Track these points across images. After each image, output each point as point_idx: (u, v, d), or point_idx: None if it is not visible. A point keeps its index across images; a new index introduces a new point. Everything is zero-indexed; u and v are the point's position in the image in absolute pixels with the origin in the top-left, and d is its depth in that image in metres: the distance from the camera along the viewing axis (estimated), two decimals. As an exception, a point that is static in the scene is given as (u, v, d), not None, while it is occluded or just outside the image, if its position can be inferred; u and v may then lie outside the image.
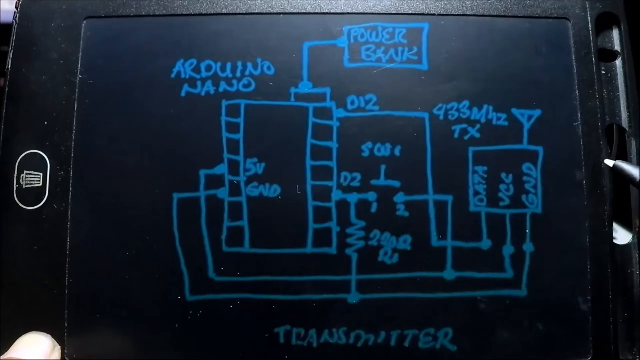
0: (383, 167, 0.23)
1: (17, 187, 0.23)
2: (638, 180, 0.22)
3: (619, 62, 0.24)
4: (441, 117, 0.23)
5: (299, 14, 0.24)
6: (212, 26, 0.23)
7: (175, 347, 0.22)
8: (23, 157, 0.23)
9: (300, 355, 0.22)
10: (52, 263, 0.22)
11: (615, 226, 0.24)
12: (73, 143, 0.23)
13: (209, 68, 0.23)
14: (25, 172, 0.23)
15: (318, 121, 0.23)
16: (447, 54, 0.23)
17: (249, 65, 0.23)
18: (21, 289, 0.22)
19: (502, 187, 0.23)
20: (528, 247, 0.23)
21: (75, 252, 0.22)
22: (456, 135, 0.23)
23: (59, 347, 0.22)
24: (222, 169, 0.23)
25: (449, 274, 0.22)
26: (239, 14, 0.24)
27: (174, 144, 0.23)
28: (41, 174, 0.23)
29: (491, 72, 0.23)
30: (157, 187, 0.22)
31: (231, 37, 0.23)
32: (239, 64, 0.23)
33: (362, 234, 0.23)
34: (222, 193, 0.23)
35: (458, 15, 0.24)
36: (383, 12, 0.24)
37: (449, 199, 0.23)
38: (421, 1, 0.24)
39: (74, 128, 0.23)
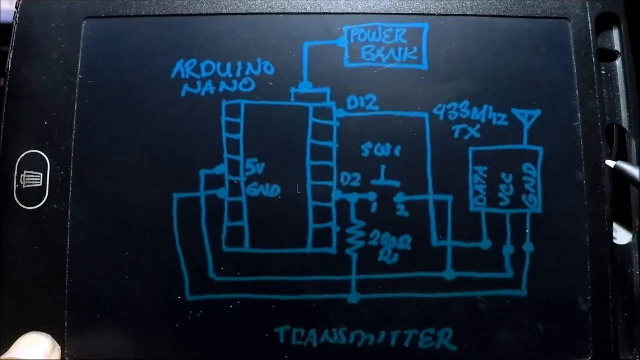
0: (383, 167, 0.23)
1: (17, 187, 0.23)
2: (639, 180, 0.22)
3: (619, 62, 0.24)
4: (441, 117, 0.23)
5: (299, 14, 0.24)
6: (212, 26, 0.23)
7: (175, 347, 0.22)
8: (23, 157, 0.23)
9: (300, 355, 0.22)
10: (52, 263, 0.22)
11: (615, 226, 0.24)
12: (73, 143, 0.23)
13: (209, 68, 0.23)
14: (25, 172, 0.23)
15: (318, 121, 0.23)
16: (447, 54, 0.23)
17: (249, 65, 0.23)
18: (21, 289, 0.22)
19: (502, 187, 0.23)
20: (528, 247, 0.23)
21: (75, 252, 0.22)
22: (456, 135, 0.23)
23: (59, 347, 0.22)
24: (222, 169, 0.23)
25: (449, 274, 0.22)
26: (239, 14, 0.24)
27: (174, 144, 0.23)
28: (41, 174, 0.23)
29: (491, 72, 0.23)
30: (157, 187, 0.22)
31: (231, 37, 0.23)
32: (239, 64, 0.23)
33: (362, 234, 0.23)
34: (222, 193, 0.23)
35: (458, 15, 0.24)
36: (383, 12, 0.24)
37: (449, 199, 0.23)
38: (421, 1, 0.24)
39: (74, 128, 0.23)
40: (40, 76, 0.23)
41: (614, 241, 0.23)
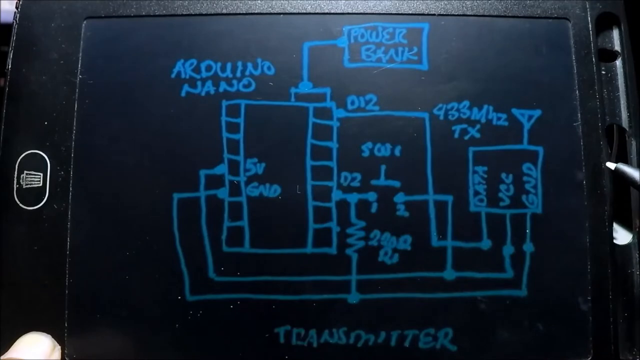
0: (383, 167, 0.23)
1: (17, 187, 0.23)
2: (639, 183, 0.22)
3: (619, 62, 0.24)
4: (441, 117, 0.23)
5: (299, 14, 0.24)
6: (212, 26, 0.23)
7: (175, 347, 0.22)
8: (23, 157, 0.23)
9: (300, 355, 0.22)
10: (52, 263, 0.22)
11: (615, 226, 0.24)
12: (73, 143, 0.23)
13: (209, 68, 0.23)
14: (25, 172, 0.23)
15: (318, 121, 0.23)
16: (447, 54, 0.23)
17: (249, 65, 0.23)
18: (21, 289, 0.22)
19: (502, 187, 0.23)
20: (528, 247, 0.23)
21: (75, 252, 0.22)
22: (456, 135, 0.23)
23: (59, 347, 0.22)
24: (222, 169, 0.23)
25: (449, 274, 0.22)
26: (239, 14, 0.24)
27: (174, 144, 0.23)
28: (41, 174, 0.23)
29: (491, 72, 0.23)
30: (157, 187, 0.22)
31: (231, 37, 0.23)
32: (239, 64, 0.23)
33: (362, 234, 0.23)
34: (222, 193, 0.23)
35: (458, 15, 0.24)
36: (383, 12, 0.24)
37: (449, 199, 0.23)
38: (421, 1, 0.24)
39: (74, 128, 0.23)
40: (40, 76, 0.23)
41: (614, 241, 0.23)
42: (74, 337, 0.22)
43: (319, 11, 0.24)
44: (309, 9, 0.24)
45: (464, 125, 0.23)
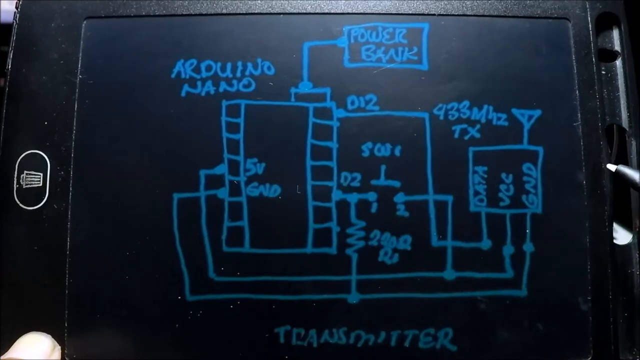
0: (383, 167, 0.23)
1: (17, 187, 0.23)
2: (639, 184, 0.22)
3: (619, 62, 0.24)
4: (441, 117, 0.23)
5: (299, 14, 0.24)
6: (212, 26, 0.23)
7: (175, 347, 0.22)
8: (23, 157, 0.23)
9: (300, 355, 0.22)
10: (52, 263, 0.22)
11: (615, 226, 0.24)
12: (73, 143, 0.23)
13: (209, 68, 0.23)
14: (25, 172, 0.23)
15: (318, 121, 0.23)
16: (447, 54, 0.23)
17: (249, 65, 0.23)
18: (21, 289, 0.22)
19: (502, 187, 0.23)
20: (528, 247, 0.23)
21: (75, 252, 0.22)
22: (456, 135, 0.23)
23: (59, 347, 0.22)
24: (222, 169, 0.23)
25: (449, 274, 0.22)
26: (239, 14, 0.24)
27: (174, 144, 0.23)
28: (41, 174, 0.23)
29: (491, 72, 0.23)
30: (157, 187, 0.22)
31: (231, 37, 0.23)
32: (239, 64, 0.23)
33: (362, 234, 0.23)
34: (222, 193, 0.23)
35: (458, 15, 0.24)
36: (383, 12, 0.24)
37: (449, 199, 0.23)
38: (421, 1, 0.24)
39: (74, 128, 0.23)
40: (40, 76, 0.23)
41: (614, 241, 0.23)
42: (74, 337, 0.22)
43: (319, 11, 0.24)
44: (309, 9, 0.24)
45: (464, 125, 0.23)
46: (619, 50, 0.24)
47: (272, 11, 0.24)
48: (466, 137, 0.23)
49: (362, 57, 0.23)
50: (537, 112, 0.23)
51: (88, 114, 0.23)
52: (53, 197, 0.22)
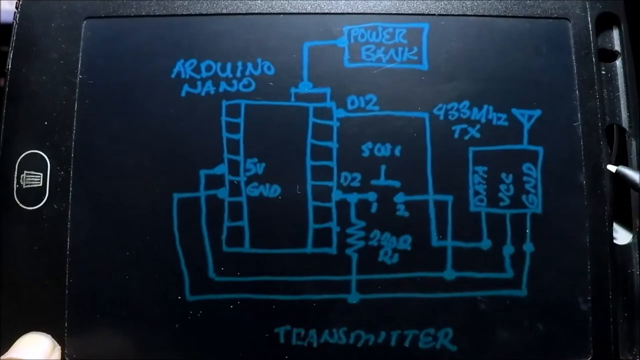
0: (383, 167, 0.23)
1: (17, 187, 0.23)
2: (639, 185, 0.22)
3: (619, 62, 0.24)
4: (441, 117, 0.23)
5: (299, 14, 0.24)
6: (212, 26, 0.23)
7: (175, 347, 0.22)
8: (23, 157, 0.23)
9: (300, 355, 0.22)
10: (52, 263, 0.22)
11: (615, 226, 0.24)
12: (73, 143, 0.23)
13: (209, 68, 0.23)
14: (25, 172, 0.23)
15: (318, 121, 0.23)
16: (447, 54, 0.23)
17: (249, 65, 0.23)
18: (21, 289, 0.22)
19: (502, 187, 0.23)
20: (528, 247, 0.23)
21: (75, 252, 0.22)
22: (456, 135, 0.23)
23: (59, 347, 0.22)
24: (222, 169, 0.23)
25: (449, 274, 0.22)
26: (239, 14, 0.24)
27: (174, 144, 0.23)
28: (41, 174, 0.23)
29: (491, 72, 0.23)
30: (157, 187, 0.22)
31: (231, 37, 0.23)
32: (239, 64, 0.23)
33: (362, 234, 0.23)
34: (222, 193, 0.23)
35: (458, 15, 0.24)
36: (383, 12, 0.24)
37: (449, 199, 0.23)
38: (421, 1, 0.24)
39: (74, 128, 0.23)
40: (40, 76, 0.23)
41: (614, 241, 0.23)
42: (74, 337, 0.22)
43: (319, 11, 0.24)
44: (309, 9, 0.24)
45: (464, 125, 0.23)
46: (619, 50, 0.24)
47: (272, 11, 0.24)
48: (466, 137, 0.23)
49: (362, 57, 0.23)
50: (537, 112, 0.23)
51: (88, 114, 0.23)
52: (53, 197, 0.22)
